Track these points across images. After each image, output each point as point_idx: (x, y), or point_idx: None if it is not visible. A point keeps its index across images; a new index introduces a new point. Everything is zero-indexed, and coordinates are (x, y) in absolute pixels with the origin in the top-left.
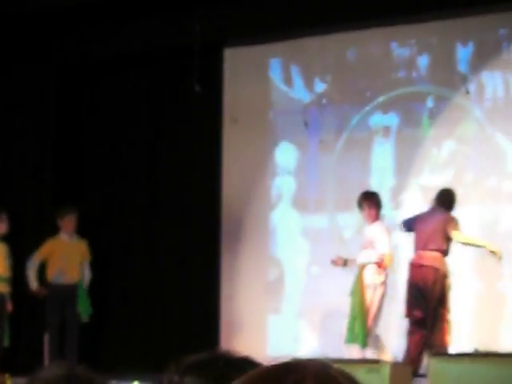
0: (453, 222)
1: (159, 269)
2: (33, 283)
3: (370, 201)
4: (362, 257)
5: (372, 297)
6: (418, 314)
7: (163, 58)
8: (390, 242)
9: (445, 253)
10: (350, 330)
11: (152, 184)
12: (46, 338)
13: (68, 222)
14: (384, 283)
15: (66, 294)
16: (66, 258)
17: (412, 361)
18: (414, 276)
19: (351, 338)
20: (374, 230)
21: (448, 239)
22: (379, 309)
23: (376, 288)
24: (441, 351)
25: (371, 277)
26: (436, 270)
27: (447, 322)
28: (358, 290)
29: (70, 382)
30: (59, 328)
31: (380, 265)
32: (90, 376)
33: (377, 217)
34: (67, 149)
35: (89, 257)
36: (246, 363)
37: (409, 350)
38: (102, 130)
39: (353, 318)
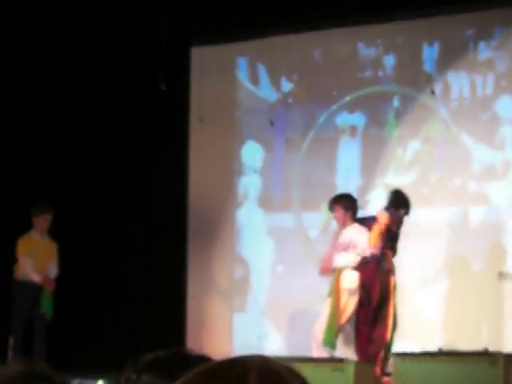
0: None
1: (127, 268)
2: (36, 276)
3: (346, 203)
4: (340, 260)
5: (347, 301)
6: (363, 311)
7: (130, 57)
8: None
9: (391, 250)
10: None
11: (119, 183)
12: (11, 338)
13: (43, 221)
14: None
15: (35, 292)
16: (36, 256)
17: (368, 358)
18: (361, 274)
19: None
20: (354, 232)
21: (393, 238)
22: (354, 313)
23: (352, 293)
24: (383, 347)
25: (348, 281)
26: (379, 266)
27: (391, 318)
28: (334, 293)
29: (29, 379)
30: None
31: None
32: (49, 373)
33: (353, 219)
34: (35, 149)
35: (57, 258)
36: (203, 361)
37: (359, 348)
38: (70, 128)
39: (331, 319)
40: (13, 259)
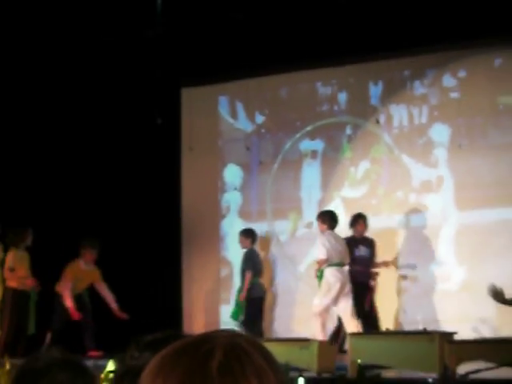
0: None
1: (134, 268)
2: (68, 302)
3: (323, 217)
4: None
5: (327, 290)
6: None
7: (132, 97)
8: (326, 249)
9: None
10: None
11: (122, 202)
12: (48, 334)
13: (89, 254)
14: (340, 280)
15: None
16: (79, 282)
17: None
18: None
19: None
20: (322, 238)
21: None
22: (333, 298)
23: (332, 284)
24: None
25: (329, 275)
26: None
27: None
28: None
29: (64, 363)
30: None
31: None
32: (79, 360)
33: (329, 228)
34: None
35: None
36: None
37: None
38: (77, 155)
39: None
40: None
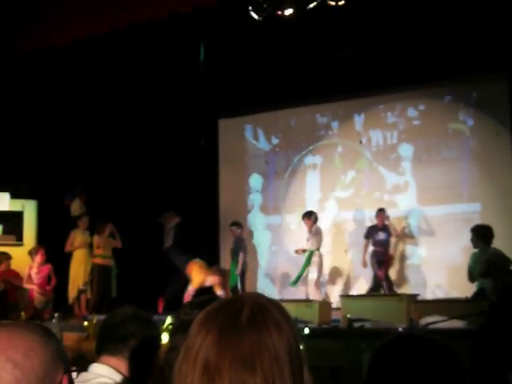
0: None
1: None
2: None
3: (309, 216)
4: (308, 245)
5: (311, 266)
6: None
7: (183, 125)
8: (314, 241)
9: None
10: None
11: (177, 202)
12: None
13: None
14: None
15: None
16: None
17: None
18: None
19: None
20: (311, 232)
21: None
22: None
23: (314, 263)
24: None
25: (314, 257)
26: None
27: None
28: (307, 262)
29: (136, 317)
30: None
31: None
32: (148, 315)
33: (311, 226)
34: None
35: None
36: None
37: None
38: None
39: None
40: None
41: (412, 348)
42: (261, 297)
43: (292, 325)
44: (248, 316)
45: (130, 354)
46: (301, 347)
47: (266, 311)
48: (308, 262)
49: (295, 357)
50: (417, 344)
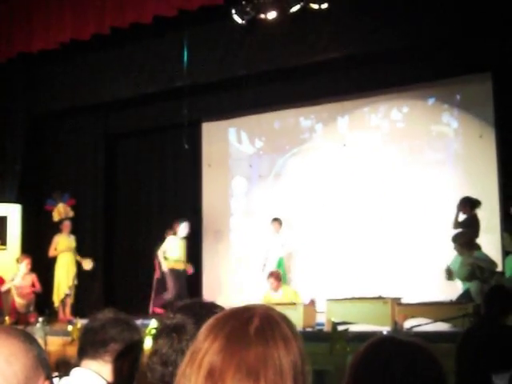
0: None
1: None
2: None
3: (277, 223)
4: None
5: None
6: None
7: (166, 129)
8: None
9: None
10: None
11: (158, 206)
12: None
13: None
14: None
15: None
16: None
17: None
18: None
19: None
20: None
21: None
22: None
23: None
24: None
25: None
26: None
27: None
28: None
29: (116, 320)
30: None
31: None
32: (129, 319)
33: (278, 228)
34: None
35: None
36: (213, 306)
37: None
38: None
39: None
40: None
41: (390, 351)
42: (271, 309)
43: (300, 342)
44: (257, 327)
45: (112, 358)
46: (307, 367)
47: (275, 324)
48: (282, 266)
49: (299, 373)
50: (395, 347)
